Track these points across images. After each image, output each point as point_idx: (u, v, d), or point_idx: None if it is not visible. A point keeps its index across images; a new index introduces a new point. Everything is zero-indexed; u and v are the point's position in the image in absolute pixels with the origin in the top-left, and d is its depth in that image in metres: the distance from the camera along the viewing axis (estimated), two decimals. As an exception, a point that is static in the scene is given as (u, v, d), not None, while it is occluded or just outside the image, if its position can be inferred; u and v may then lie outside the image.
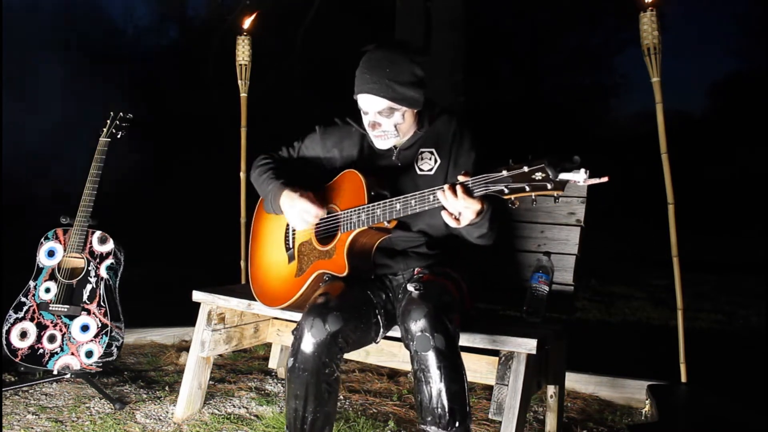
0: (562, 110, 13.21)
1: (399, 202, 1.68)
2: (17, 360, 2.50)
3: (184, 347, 3.17)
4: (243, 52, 3.03)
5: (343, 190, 1.86)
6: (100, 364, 2.51)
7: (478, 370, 2.21)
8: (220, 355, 3.06)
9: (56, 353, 2.50)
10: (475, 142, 1.90)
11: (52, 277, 2.57)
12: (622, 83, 15.20)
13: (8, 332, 2.51)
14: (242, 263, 3.03)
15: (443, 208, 1.59)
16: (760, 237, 8.59)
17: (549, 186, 1.40)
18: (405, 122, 1.84)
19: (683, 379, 2.37)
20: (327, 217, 1.87)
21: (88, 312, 2.53)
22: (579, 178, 1.36)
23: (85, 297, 2.54)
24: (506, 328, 1.87)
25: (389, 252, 1.90)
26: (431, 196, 1.61)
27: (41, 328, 2.52)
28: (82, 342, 2.51)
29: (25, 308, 2.54)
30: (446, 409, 1.56)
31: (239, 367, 2.96)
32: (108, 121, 2.72)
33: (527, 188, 1.43)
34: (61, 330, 2.52)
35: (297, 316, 1.84)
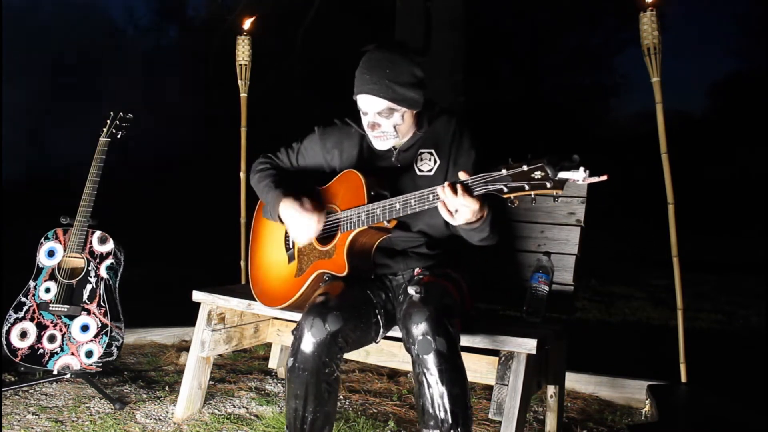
0: (562, 110, 13.21)
1: (399, 202, 1.68)
2: (17, 360, 2.50)
3: (184, 347, 3.17)
4: (243, 52, 3.03)
5: (342, 190, 1.86)
6: (100, 364, 2.51)
7: (478, 370, 2.21)
8: (220, 355, 3.06)
9: (56, 353, 2.50)
10: (475, 142, 1.89)
11: (52, 277, 2.57)
12: (622, 83, 15.22)
13: (8, 332, 2.51)
14: (242, 263, 3.03)
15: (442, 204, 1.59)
16: (760, 237, 8.59)
17: (548, 185, 1.40)
18: (404, 123, 1.84)
19: (683, 379, 2.37)
20: (327, 217, 1.87)
21: (88, 312, 2.53)
22: (578, 176, 1.36)
23: (85, 297, 2.54)
24: (506, 328, 1.87)
25: (389, 252, 1.90)
26: (431, 196, 1.61)
27: (41, 328, 2.52)
28: (82, 342, 2.51)
29: (25, 308, 2.54)
30: (448, 413, 1.56)
31: (239, 367, 2.96)
32: (108, 121, 2.72)
33: (526, 187, 1.43)
34: (61, 330, 2.52)
35: (297, 316, 1.84)
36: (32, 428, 2.14)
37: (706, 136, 12.69)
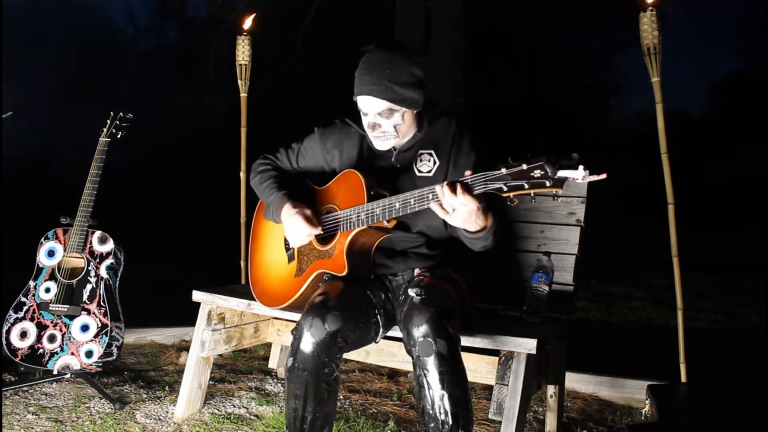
0: (562, 110, 13.21)
1: (398, 202, 1.68)
2: (17, 360, 2.50)
3: (184, 347, 3.17)
4: (243, 52, 3.03)
5: (342, 189, 1.86)
6: (100, 364, 2.51)
7: (478, 370, 2.21)
8: (220, 355, 3.06)
9: (56, 353, 2.50)
10: (475, 144, 1.89)
11: (52, 277, 2.57)
12: (622, 83, 15.22)
13: (8, 332, 2.51)
14: (242, 263, 3.03)
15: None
16: (760, 237, 8.59)
17: (548, 183, 1.40)
18: (404, 123, 1.84)
19: (683, 379, 2.37)
20: (327, 217, 1.88)
21: (88, 312, 2.53)
22: (578, 175, 1.36)
23: (85, 297, 2.54)
24: (506, 328, 1.87)
25: (389, 252, 1.90)
26: (430, 195, 1.61)
27: (41, 328, 2.52)
28: (82, 342, 2.51)
29: (25, 308, 2.54)
30: (449, 415, 1.55)
31: (239, 367, 2.96)
32: (108, 121, 2.72)
33: (526, 186, 1.43)
34: (61, 330, 2.52)
35: (297, 316, 1.84)
36: (32, 428, 2.14)
37: (706, 136, 12.70)
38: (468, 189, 1.53)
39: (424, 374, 1.57)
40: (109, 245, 2.60)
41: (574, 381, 2.71)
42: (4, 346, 2.50)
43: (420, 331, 1.58)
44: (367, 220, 1.75)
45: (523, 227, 2.28)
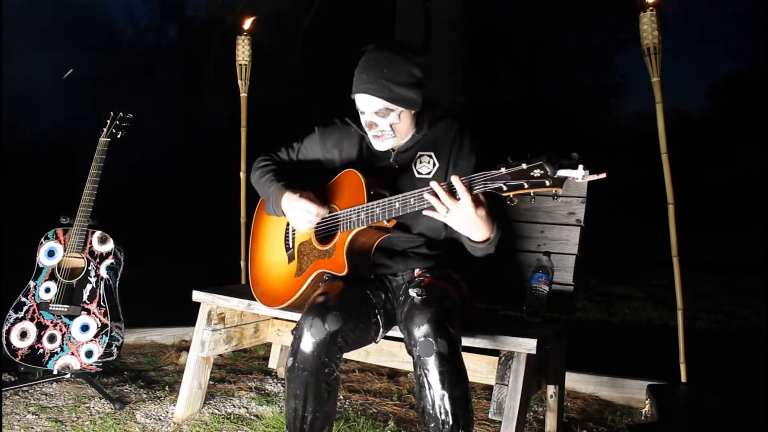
0: (562, 110, 13.22)
1: (398, 201, 1.68)
2: (17, 360, 2.50)
3: (184, 347, 3.17)
4: (243, 52, 3.03)
5: (342, 189, 1.86)
6: (100, 364, 2.51)
7: (478, 370, 2.21)
8: (220, 355, 3.06)
9: (56, 353, 2.50)
10: (476, 147, 1.89)
11: (52, 277, 2.57)
12: (622, 83, 15.24)
13: (8, 332, 2.51)
14: (242, 263, 3.03)
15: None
16: (760, 237, 8.60)
17: (547, 183, 1.40)
18: (401, 123, 1.84)
19: (683, 379, 2.37)
20: (327, 217, 1.87)
21: (88, 312, 2.53)
22: (577, 174, 1.36)
23: (85, 297, 2.54)
24: (506, 328, 1.87)
25: (389, 252, 1.90)
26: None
27: (41, 328, 2.52)
28: (82, 342, 2.51)
29: (25, 308, 2.54)
30: (449, 415, 1.55)
31: (239, 367, 2.96)
32: (108, 121, 2.72)
33: (526, 185, 1.43)
34: (61, 330, 2.52)
35: (297, 316, 1.84)
36: (32, 428, 2.14)
37: (706, 136, 12.71)
38: (468, 188, 1.53)
39: (425, 374, 1.57)
40: (109, 245, 2.60)
41: (574, 381, 2.71)
42: (4, 346, 2.50)
43: (421, 331, 1.58)
44: (367, 220, 1.75)
45: (523, 227, 2.28)
